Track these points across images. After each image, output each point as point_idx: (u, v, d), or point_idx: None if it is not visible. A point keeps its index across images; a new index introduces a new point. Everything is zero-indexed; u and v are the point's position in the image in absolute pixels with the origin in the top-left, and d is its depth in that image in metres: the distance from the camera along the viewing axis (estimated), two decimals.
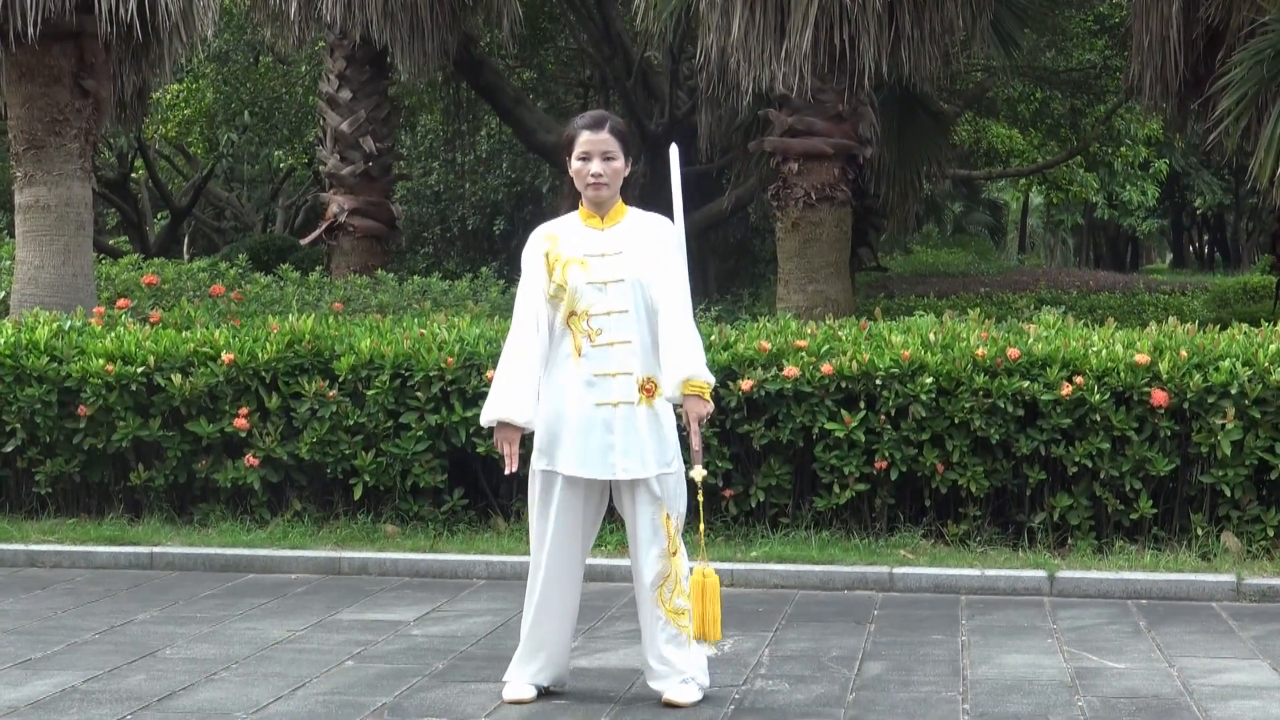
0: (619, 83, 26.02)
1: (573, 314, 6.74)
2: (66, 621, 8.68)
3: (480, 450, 10.47)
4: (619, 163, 6.80)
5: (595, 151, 6.72)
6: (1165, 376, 9.88)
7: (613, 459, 6.70)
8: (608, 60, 26.10)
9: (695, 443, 6.66)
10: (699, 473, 6.69)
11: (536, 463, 6.82)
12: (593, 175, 6.74)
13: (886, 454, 10.13)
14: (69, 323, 11.67)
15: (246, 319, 12.37)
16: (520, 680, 6.97)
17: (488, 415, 6.77)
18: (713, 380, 6.72)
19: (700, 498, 6.85)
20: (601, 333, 6.70)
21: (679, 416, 6.76)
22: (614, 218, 6.86)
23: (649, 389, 6.72)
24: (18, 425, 11.07)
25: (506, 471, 6.74)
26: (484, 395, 10.37)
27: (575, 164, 6.78)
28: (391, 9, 18.42)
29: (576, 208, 6.92)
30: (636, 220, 6.88)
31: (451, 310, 13.65)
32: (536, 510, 6.85)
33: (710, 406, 6.66)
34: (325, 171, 20.39)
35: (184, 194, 37.91)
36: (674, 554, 6.76)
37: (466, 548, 10.22)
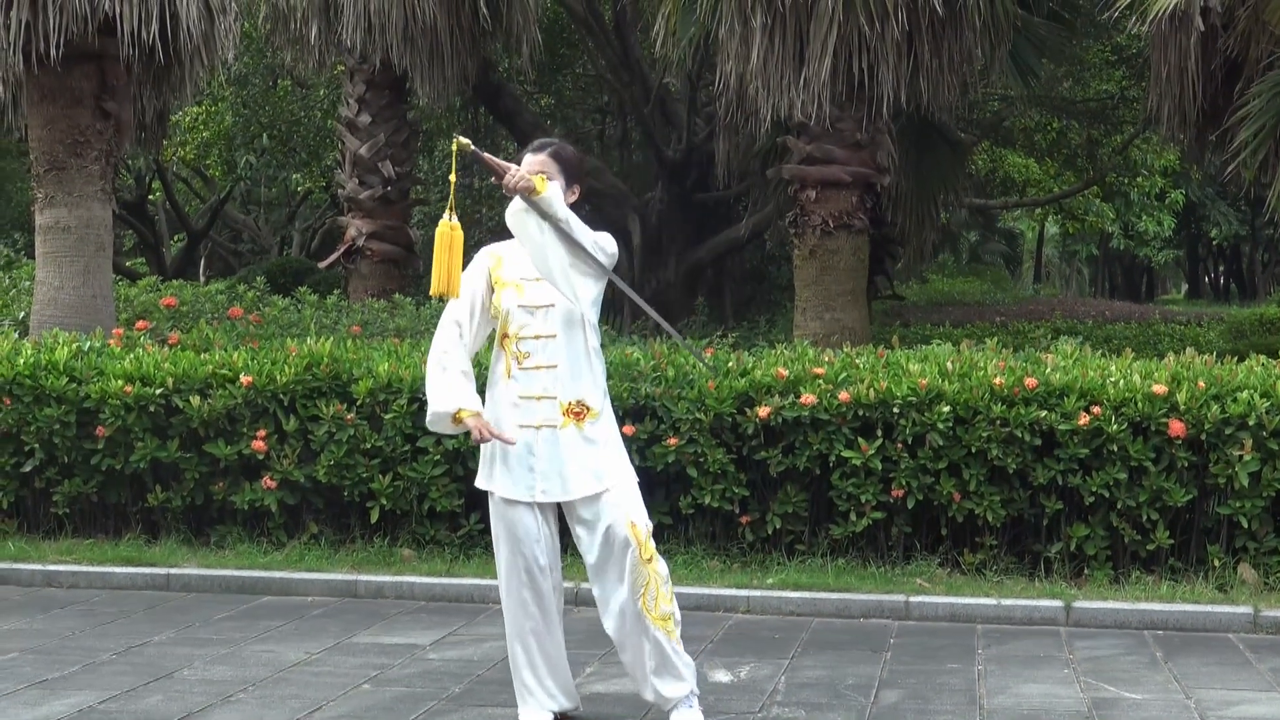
0: (637, 109, 26.07)
1: (505, 336, 6.81)
2: (83, 642, 8.70)
3: None
4: (554, 185, 6.76)
5: (531, 173, 6.68)
6: (1183, 407, 9.87)
7: (532, 481, 6.74)
8: (626, 86, 26.14)
9: (491, 159, 6.58)
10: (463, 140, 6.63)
11: (480, 482, 6.89)
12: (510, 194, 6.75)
13: (903, 482, 10.13)
14: (88, 344, 11.70)
15: (265, 341, 12.39)
16: (535, 707, 6.97)
17: (439, 407, 6.72)
18: (554, 205, 6.55)
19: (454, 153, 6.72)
20: (529, 356, 6.75)
21: None
22: None
23: (577, 412, 6.74)
24: (36, 445, 11.10)
25: (481, 439, 6.75)
26: None
27: None
28: (411, 34, 18.48)
29: None
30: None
31: None
32: (495, 534, 6.89)
33: (528, 185, 6.48)
34: (343, 195, 20.45)
35: (201, 216, 38.00)
36: (649, 560, 6.68)
37: (483, 572, 10.22)
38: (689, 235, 25.15)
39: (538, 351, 6.73)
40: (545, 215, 6.53)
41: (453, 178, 7.08)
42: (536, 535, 6.76)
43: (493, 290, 6.85)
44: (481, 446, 6.85)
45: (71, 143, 13.90)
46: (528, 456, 6.72)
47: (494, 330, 6.88)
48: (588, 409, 6.75)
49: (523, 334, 6.74)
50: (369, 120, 20.01)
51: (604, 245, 6.74)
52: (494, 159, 6.57)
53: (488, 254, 6.96)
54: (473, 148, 6.58)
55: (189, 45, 14.20)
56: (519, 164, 6.77)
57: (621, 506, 6.68)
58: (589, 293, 6.70)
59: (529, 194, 6.50)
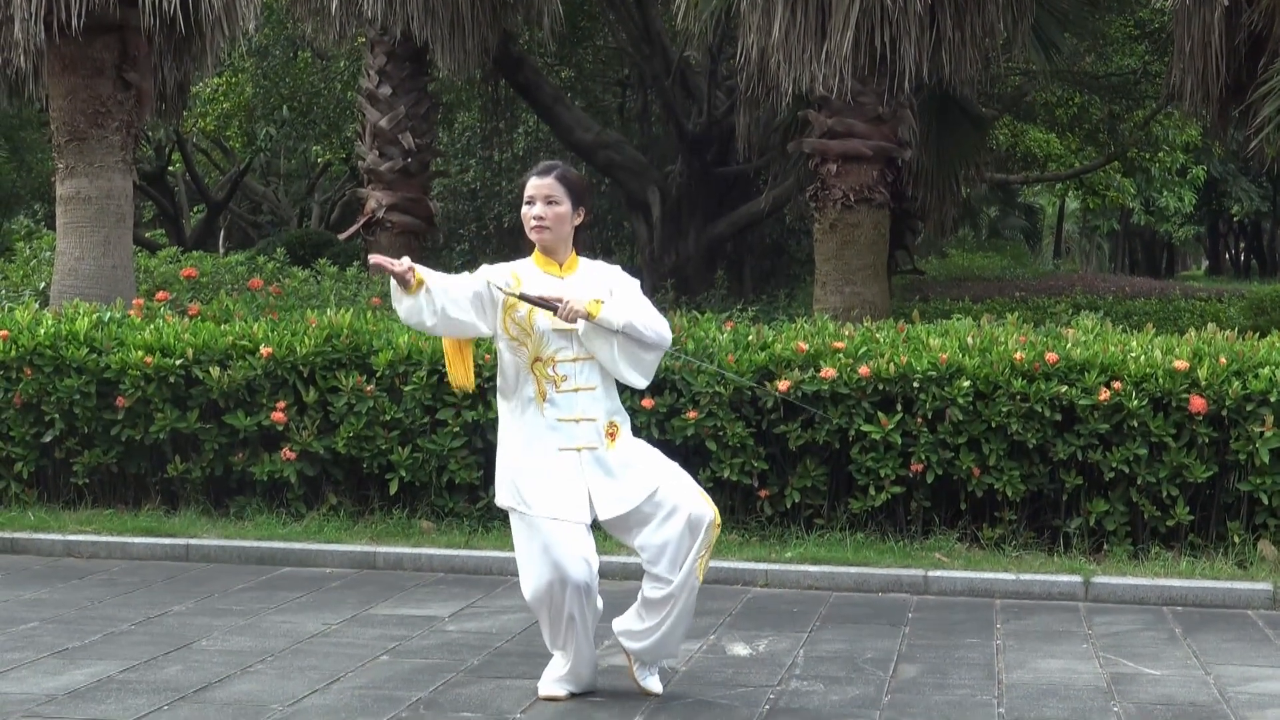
0: (657, 82, 25.99)
1: (537, 360, 6.78)
2: (103, 612, 8.72)
3: None
4: (563, 208, 6.83)
5: (538, 195, 6.80)
6: (1204, 383, 9.85)
7: (590, 502, 6.76)
8: (646, 59, 26.07)
9: (539, 296, 6.67)
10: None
11: (506, 501, 6.83)
12: (534, 217, 6.83)
13: (923, 457, 10.12)
14: (108, 314, 11.72)
15: (284, 313, 12.41)
16: (554, 679, 7.01)
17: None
18: (613, 320, 6.66)
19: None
20: (567, 379, 6.77)
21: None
22: (571, 266, 6.93)
23: (611, 433, 6.82)
24: (56, 416, 11.13)
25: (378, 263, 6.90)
26: None
27: (523, 208, 6.88)
28: (432, 6, 18.42)
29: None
30: (591, 269, 6.97)
31: None
32: (528, 553, 6.82)
33: (580, 313, 6.62)
34: (364, 167, 20.41)
35: (221, 188, 38.05)
36: (719, 525, 6.84)
37: (502, 544, 10.21)
38: (709, 209, 25.10)
39: (575, 374, 6.78)
40: (609, 331, 6.63)
41: (503, 292, 6.95)
42: (585, 552, 6.72)
43: (495, 305, 6.81)
44: (505, 467, 6.82)
45: (92, 113, 13.90)
46: (575, 479, 6.74)
47: (518, 358, 6.83)
48: (618, 427, 6.86)
49: (560, 357, 6.76)
50: (389, 92, 19.95)
51: (661, 331, 6.83)
52: (539, 296, 6.68)
53: (509, 272, 6.88)
54: (517, 291, 6.72)
55: (210, 16, 14.20)
56: (521, 183, 6.84)
57: (673, 492, 6.77)
58: (651, 374, 6.88)
59: (587, 319, 6.60)
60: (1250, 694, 7.27)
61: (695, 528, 6.71)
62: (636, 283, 6.99)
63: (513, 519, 6.85)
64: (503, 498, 6.86)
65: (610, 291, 6.83)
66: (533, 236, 6.86)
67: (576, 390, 6.76)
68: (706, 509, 6.75)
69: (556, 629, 6.84)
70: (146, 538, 10.51)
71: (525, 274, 6.86)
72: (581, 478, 6.74)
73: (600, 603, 6.89)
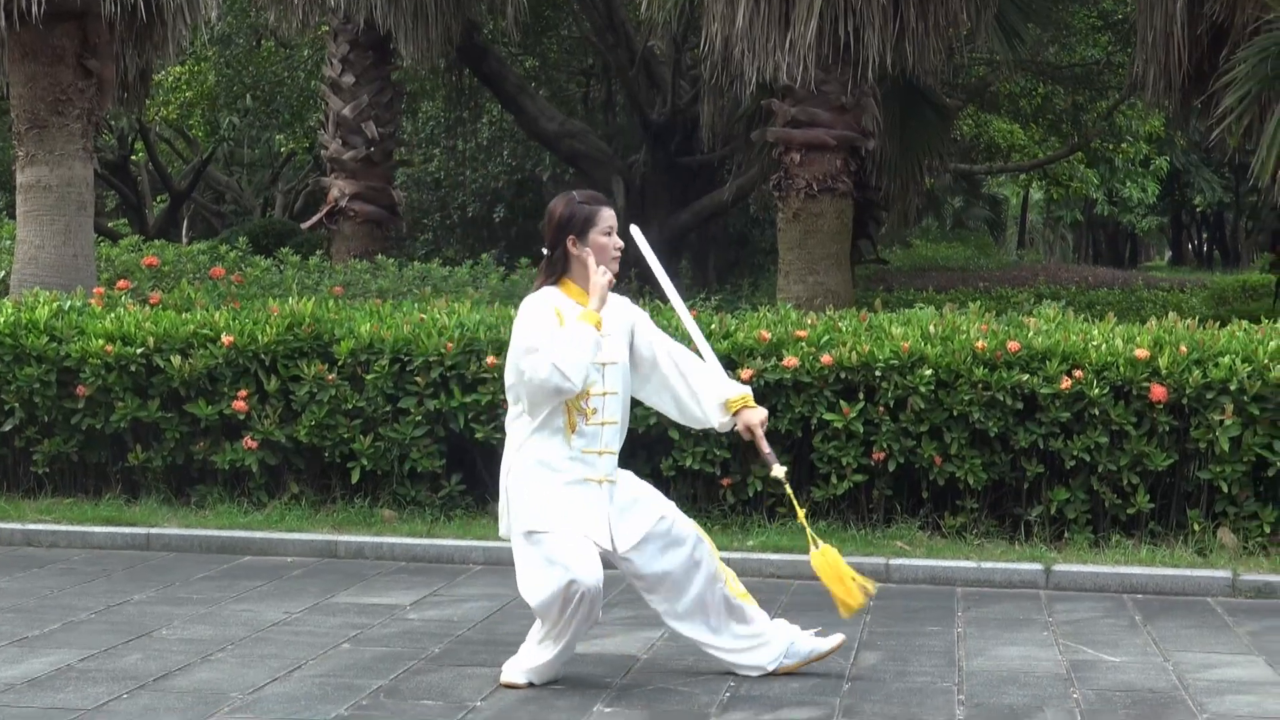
0: (621, 72, 25.98)
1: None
2: (63, 601, 8.68)
3: (478, 436, 10.48)
4: None
5: (614, 227, 6.89)
6: (1165, 372, 9.88)
7: (609, 533, 6.85)
8: (610, 49, 26.05)
9: (764, 447, 7.01)
10: (779, 470, 7.03)
11: (527, 525, 6.79)
12: (616, 248, 6.93)
13: (885, 445, 10.14)
14: (69, 303, 11.67)
15: (246, 302, 12.36)
16: (521, 668, 7.01)
17: (582, 336, 6.74)
18: (746, 389, 7.05)
19: (789, 490, 7.19)
20: (596, 412, 6.85)
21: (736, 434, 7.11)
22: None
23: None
24: (16, 405, 11.08)
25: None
26: (482, 381, 10.46)
27: (600, 239, 6.87)
28: None
29: (555, 279, 6.96)
30: (611, 300, 7.01)
31: (451, 296, 13.64)
32: (536, 557, 6.80)
33: (763, 411, 7.04)
34: (327, 156, 20.38)
35: (184, 177, 37.89)
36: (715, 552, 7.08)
37: (463, 533, 10.23)
38: (673, 198, 25.09)
39: (603, 407, 6.88)
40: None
41: (801, 514, 7.25)
42: (598, 565, 6.76)
43: None
44: (527, 497, 6.82)
45: (53, 101, 13.81)
46: (597, 507, 6.84)
47: None
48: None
49: (592, 390, 6.82)
50: (353, 81, 19.93)
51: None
52: (763, 439, 7.04)
53: (550, 307, 6.84)
54: (784, 482, 7.11)
55: (172, 4, 14.11)
56: (583, 213, 6.86)
57: (681, 518, 7.02)
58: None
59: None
60: (1209, 680, 7.30)
61: (698, 562, 6.97)
62: (645, 313, 7.20)
63: (524, 543, 6.81)
64: (525, 521, 6.79)
65: (633, 327, 7.04)
66: (611, 267, 6.89)
67: (603, 424, 6.87)
68: (704, 542, 7.03)
69: (556, 628, 6.84)
70: (107, 527, 10.47)
71: (565, 307, 6.85)
72: (603, 508, 6.85)
73: (600, 612, 6.95)
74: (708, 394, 7.02)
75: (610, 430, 6.90)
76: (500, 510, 6.98)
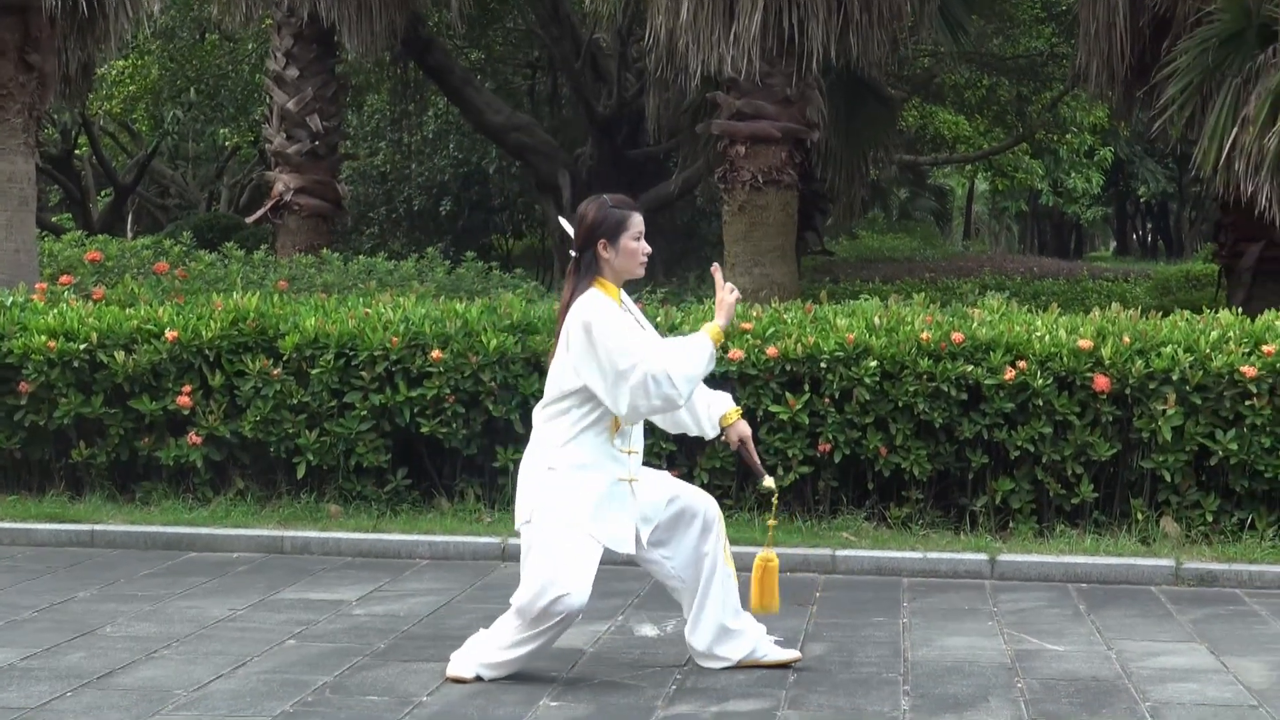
0: (567, 64, 25.98)
1: None
2: (5, 599, 8.62)
3: (424, 430, 10.46)
4: None
5: (643, 231, 6.96)
6: (1108, 362, 9.94)
7: (635, 532, 6.96)
8: (556, 42, 26.05)
9: (755, 461, 7.22)
10: (769, 481, 7.20)
11: (563, 519, 6.79)
12: (645, 254, 6.96)
13: (830, 437, 10.16)
14: (11, 298, 11.59)
15: (191, 296, 12.31)
16: (473, 663, 7.00)
17: (702, 345, 6.84)
18: (735, 403, 7.22)
19: (775, 500, 7.33)
20: None
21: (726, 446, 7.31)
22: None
23: None
24: None
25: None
26: (428, 375, 10.43)
27: (630, 243, 6.89)
28: None
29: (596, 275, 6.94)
30: (627, 301, 7.13)
31: (397, 290, 13.61)
32: (560, 552, 6.79)
33: (746, 427, 7.22)
34: (271, 150, 20.30)
35: (128, 171, 37.67)
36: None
37: (409, 528, 10.20)
38: (620, 191, 24.95)
39: None
40: None
41: (771, 523, 7.46)
42: (587, 597, 6.81)
43: None
44: (577, 492, 6.82)
45: None
46: (626, 506, 6.93)
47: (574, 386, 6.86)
48: None
49: None
50: (296, 74, 19.86)
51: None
52: (754, 452, 7.27)
53: (613, 305, 6.87)
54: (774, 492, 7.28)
55: None
56: (614, 217, 6.90)
57: (691, 491, 7.18)
58: None
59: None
60: (1152, 668, 7.35)
61: (709, 525, 7.11)
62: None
63: (545, 536, 6.79)
64: (560, 515, 6.77)
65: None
66: (639, 271, 6.96)
67: (636, 424, 6.99)
68: (711, 504, 7.16)
69: (528, 633, 6.85)
70: (50, 524, 10.40)
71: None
72: (632, 509, 6.93)
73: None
74: (699, 403, 7.13)
75: (638, 430, 7.04)
76: (519, 498, 6.96)
